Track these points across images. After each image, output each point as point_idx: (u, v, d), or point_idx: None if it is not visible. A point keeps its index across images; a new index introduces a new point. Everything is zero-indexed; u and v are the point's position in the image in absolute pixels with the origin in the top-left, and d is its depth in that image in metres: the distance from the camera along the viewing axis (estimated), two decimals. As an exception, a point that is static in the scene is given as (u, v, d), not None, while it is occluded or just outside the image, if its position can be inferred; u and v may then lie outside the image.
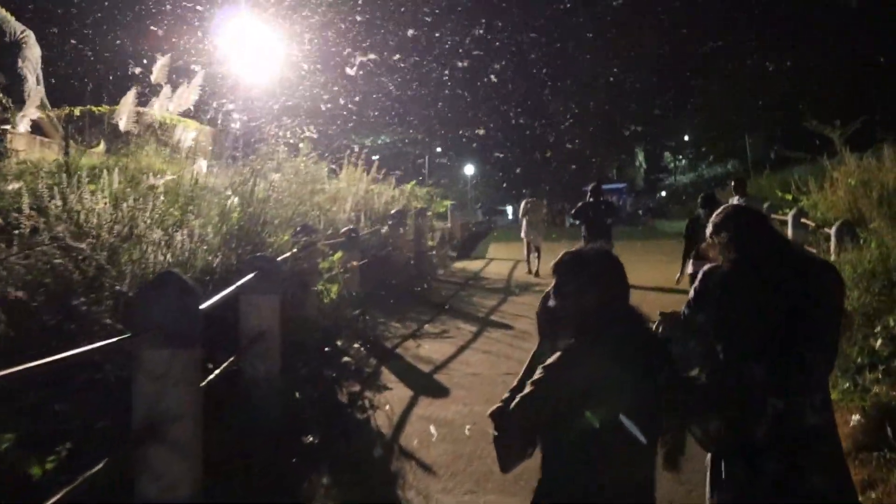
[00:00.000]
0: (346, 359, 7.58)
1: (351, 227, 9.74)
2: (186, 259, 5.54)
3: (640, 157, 48.68)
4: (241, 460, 4.12)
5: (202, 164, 8.10)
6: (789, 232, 10.36)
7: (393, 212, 12.74)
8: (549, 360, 2.10)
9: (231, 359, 4.42)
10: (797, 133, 15.64)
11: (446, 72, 30.84)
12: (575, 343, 2.14)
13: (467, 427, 5.39)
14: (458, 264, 17.11)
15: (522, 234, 15.42)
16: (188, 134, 8.21)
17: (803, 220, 10.28)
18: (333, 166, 13.20)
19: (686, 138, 40.52)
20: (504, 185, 46.15)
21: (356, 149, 14.54)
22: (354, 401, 6.14)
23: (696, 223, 8.66)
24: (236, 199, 7.18)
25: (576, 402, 2.04)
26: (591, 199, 12.11)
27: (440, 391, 6.45)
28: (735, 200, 10.08)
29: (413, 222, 14.33)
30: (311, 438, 5.00)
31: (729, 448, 2.42)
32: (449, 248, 18.08)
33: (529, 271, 14.95)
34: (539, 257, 14.85)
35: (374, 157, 17.83)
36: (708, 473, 2.52)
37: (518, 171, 43.12)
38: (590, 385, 2.03)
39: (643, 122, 39.79)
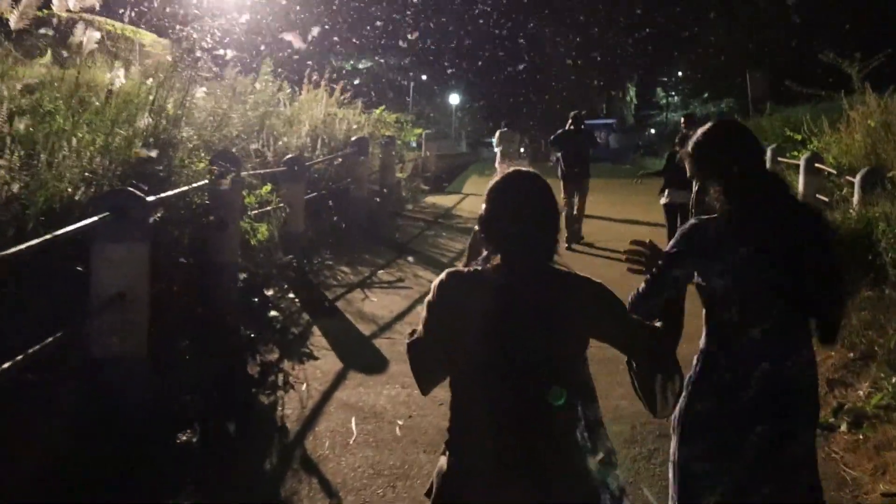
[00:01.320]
0: (272, 313, 6.33)
1: (292, 155, 8.31)
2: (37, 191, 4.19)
3: (631, 92, 46.72)
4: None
5: (119, 73, 6.72)
6: (800, 178, 9.09)
7: (353, 139, 11.25)
8: None
9: (51, 337, 3.12)
10: (806, 68, 14.18)
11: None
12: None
13: (399, 423, 4.14)
14: (430, 199, 15.68)
15: (496, 165, 14.61)
16: (91, 34, 6.80)
17: (818, 165, 8.95)
18: (297, 88, 11.72)
19: (680, 73, 38.61)
20: (487, 116, 44.22)
21: (326, 70, 12.97)
22: (266, 375, 4.88)
23: (674, 158, 8.38)
24: (148, 118, 5.96)
25: None
26: (572, 128, 11.16)
27: (377, 364, 5.17)
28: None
29: (379, 152, 12.88)
30: (185, 437, 3.77)
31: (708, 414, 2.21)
32: (421, 182, 16.66)
33: None
34: None
35: (354, 82, 16.30)
36: (674, 435, 2.29)
37: (501, 100, 41.28)
38: None
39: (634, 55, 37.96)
